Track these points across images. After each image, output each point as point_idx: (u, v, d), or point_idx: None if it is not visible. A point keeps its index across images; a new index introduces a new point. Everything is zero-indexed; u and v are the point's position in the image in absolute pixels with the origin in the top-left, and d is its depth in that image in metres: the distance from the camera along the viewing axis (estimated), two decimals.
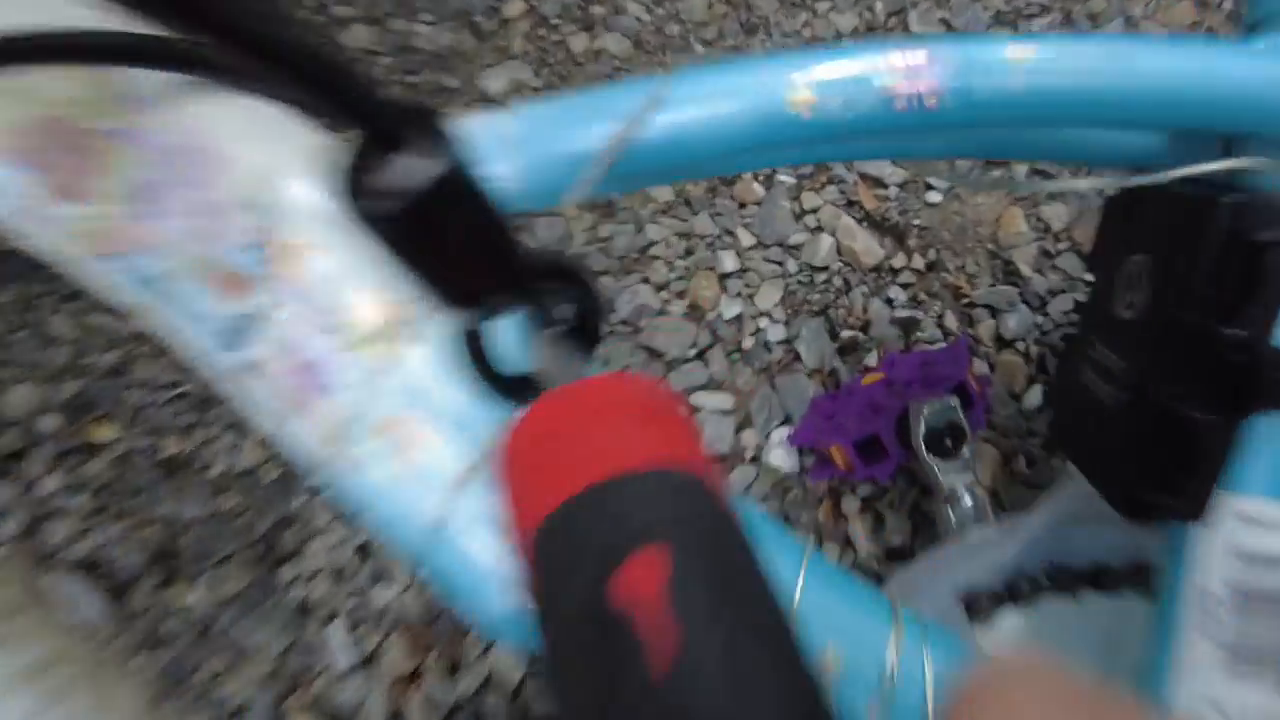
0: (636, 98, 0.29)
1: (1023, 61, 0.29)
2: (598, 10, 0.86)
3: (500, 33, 0.87)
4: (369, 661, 0.61)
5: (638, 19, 0.85)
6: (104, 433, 0.72)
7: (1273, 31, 0.31)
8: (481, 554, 0.27)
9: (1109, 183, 0.32)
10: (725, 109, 0.29)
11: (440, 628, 0.61)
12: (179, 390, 0.73)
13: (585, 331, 0.29)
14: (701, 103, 0.29)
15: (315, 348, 0.29)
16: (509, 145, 0.29)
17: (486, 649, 0.60)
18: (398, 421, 0.29)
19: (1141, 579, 0.40)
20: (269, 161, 0.30)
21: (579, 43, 0.84)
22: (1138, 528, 0.41)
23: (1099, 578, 0.40)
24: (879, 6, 0.85)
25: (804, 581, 0.27)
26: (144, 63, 0.26)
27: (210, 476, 0.68)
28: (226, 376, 0.29)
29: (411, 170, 0.23)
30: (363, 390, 0.29)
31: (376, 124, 0.23)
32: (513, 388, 0.29)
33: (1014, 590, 0.40)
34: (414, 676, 0.59)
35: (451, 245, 0.25)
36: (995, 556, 0.41)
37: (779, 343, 0.67)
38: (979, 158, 0.70)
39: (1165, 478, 0.31)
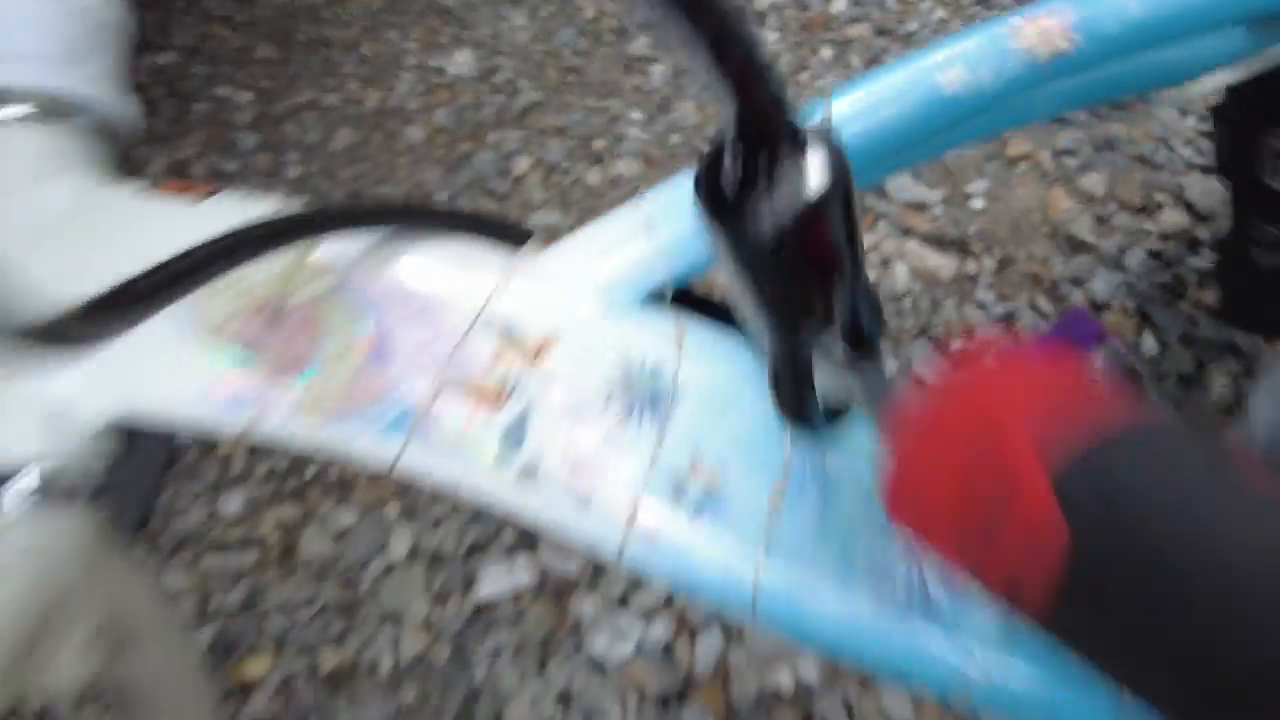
0: (812, 117, 0.33)
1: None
2: (599, 144, 0.93)
3: (516, 190, 0.93)
4: None
5: (639, 139, 0.92)
6: (254, 669, 0.71)
7: None
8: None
9: (1243, 71, 0.35)
10: (889, 110, 0.33)
11: None
12: (319, 604, 0.72)
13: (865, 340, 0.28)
14: (866, 112, 0.33)
15: (585, 431, 0.31)
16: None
17: None
18: (694, 467, 0.31)
19: None
20: (478, 285, 0.32)
21: (593, 176, 0.90)
22: None
23: None
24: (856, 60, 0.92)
25: None
26: (345, 227, 0.28)
27: (380, 676, 0.67)
28: (506, 494, 0.30)
29: (795, 183, 0.22)
30: (647, 443, 0.31)
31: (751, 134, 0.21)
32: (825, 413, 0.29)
33: None
34: None
35: (816, 262, 0.23)
36: None
37: (898, 370, 0.69)
38: (1106, 99, 0.74)
39: None
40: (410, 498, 0.75)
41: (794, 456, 0.29)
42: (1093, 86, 0.38)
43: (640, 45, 1.03)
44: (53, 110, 0.35)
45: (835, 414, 0.29)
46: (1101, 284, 0.69)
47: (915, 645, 0.29)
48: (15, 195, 0.34)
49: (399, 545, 0.72)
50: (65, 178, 0.35)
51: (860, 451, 0.30)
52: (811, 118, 0.33)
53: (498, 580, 0.68)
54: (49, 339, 0.21)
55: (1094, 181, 0.75)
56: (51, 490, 0.33)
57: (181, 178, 1.06)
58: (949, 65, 0.33)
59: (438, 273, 0.32)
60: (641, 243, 0.32)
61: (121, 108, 0.38)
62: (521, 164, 0.94)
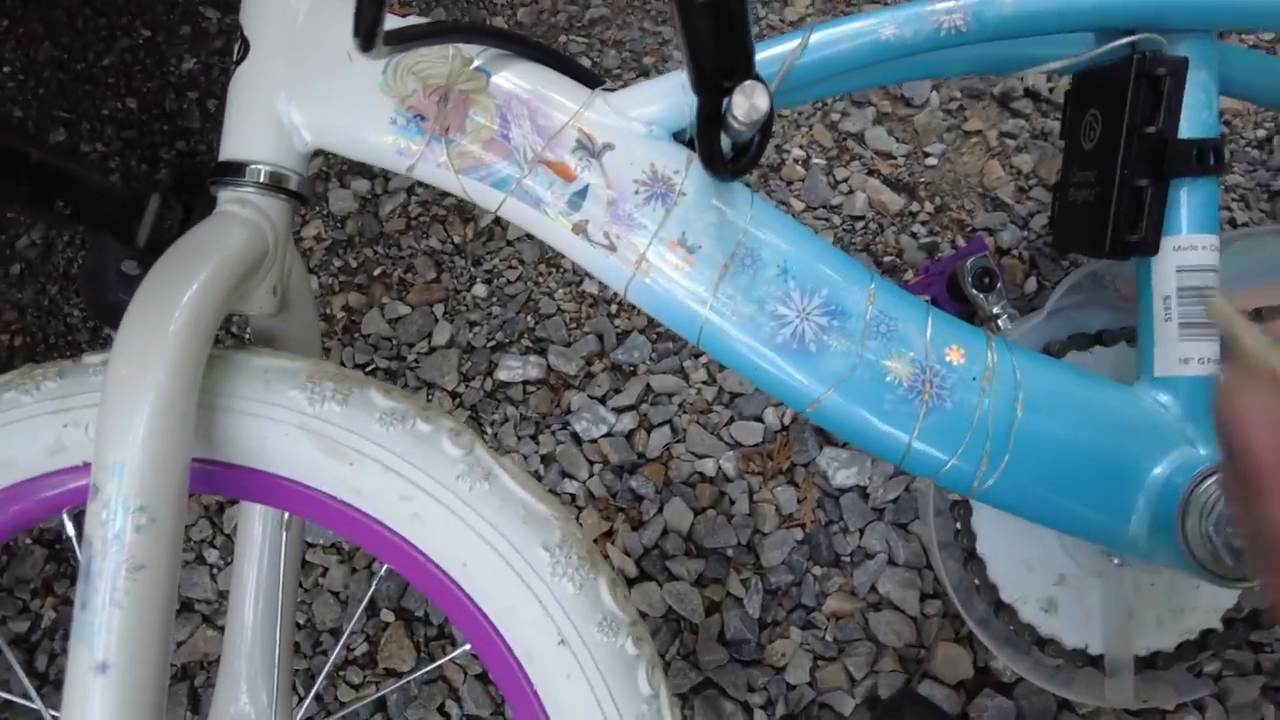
0: (791, 43, 0.50)
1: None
2: (648, 60, 1.09)
3: None
4: None
5: (680, 63, 1.07)
6: None
7: None
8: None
9: (1071, 62, 0.52)
10: (846, 45, 0.50)
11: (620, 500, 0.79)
12: (371, 368, 0.91)
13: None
14: (832, 43, 0.50)
15: (620, 202, 0.48)
16: None
17: (660, 509, 0.77)
18: (681, 241, 0.48)
19: (1125, 336, 0.59)
20: (571, 102, 0.49)
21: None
22: (1118, 297, 0.61)
23: (1101, 337, 0.59)
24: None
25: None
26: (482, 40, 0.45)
27: None
28: (565, 236, 0.48)
29: None
30: (656, 220, 0.48)
31: None
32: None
33: (1048, 350, 0.59)
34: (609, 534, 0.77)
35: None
36: (1032, 338, 0.60)
37: None
38: (992, 72, 0.91)
39: (1132, 230, 0.51)
40: (453, 301, 0.93)
41: (745, 237, 0.47)
42: (981, 61, 0.55)
43: None
44: None
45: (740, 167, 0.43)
46: (1008, 235, 0.86)
47: (780, 371, 0.47)
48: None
49: (440, 335, 0.90)
50: None
51: (780, 234, 0.47)
52: (799, 38, 0.50)
53: (513, 370, 0.86)
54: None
55: (1024, 160, 0.91)
56: (272, 183, 0.51)
57: None
58: (889, 24, 0.50)
59: (548, 90, 0.49)
60: (676, 98, 0.49)
61: None
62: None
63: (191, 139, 1.19)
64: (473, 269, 0.93)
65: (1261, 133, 0.91)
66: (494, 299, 0.91)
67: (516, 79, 0.49)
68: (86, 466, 0.48)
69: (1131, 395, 0.51)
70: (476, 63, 0.48)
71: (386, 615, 0.74)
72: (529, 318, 0.89)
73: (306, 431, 0.46)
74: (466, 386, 0.86)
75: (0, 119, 1.28)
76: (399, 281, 0.94)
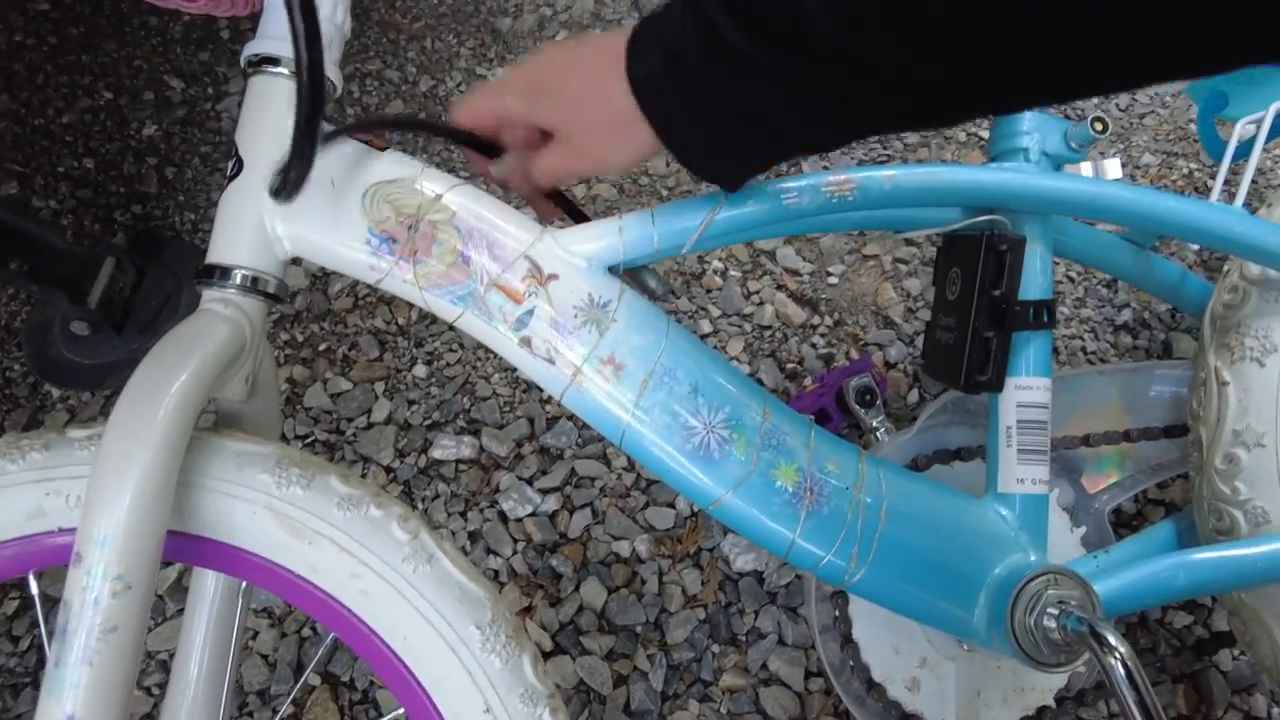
0: (711, 204, 0.59)
1: (891, 177, 0.60)
2: None
3: None
4: None
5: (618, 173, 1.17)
6: None
7: (1003, 158, 0.64)
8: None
9: (938, 230, 0.63)
10: (754, 208, 0.59)
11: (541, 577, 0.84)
12: (310, 439, 0.94)
13: None
14: (741, 206, 0.59)
15: (561, 324, 0.56)
16: (648, 219, 0.58)
17: (577, 587, 0.83)
18: (610, 359, 0.56)
19: (980, 453, 0.69)
20: (525, 231, 0.57)
21: (580, 190, 1.15)
22: (977, 418, 0.71)
23: (960, 453, 0.69)
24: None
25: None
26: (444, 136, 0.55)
27: None
28: (512, 350, 0.55)
29: None
30: (590, 341, 0.56)
31: None
32: None
33: (915, 462, 0.68)
34: (528, 609, 0.82)
35: None
36: (901, 452, 0.70)
37: (749, 375, 0.96)
38: (872, 229, 1.03)
39: (981, 372, 0.61)
40: (394, 379, 0.98)
41: (663, 358, 0.55)
42: (867, 222, 0.65)
43: None
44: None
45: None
46: (895, 351, 0.97)
47: (688, 473, 0.55)
48: (282, 126, 0.57)
49: (380, 412, 0.95)
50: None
51: (692, 356, 0.55)
52: (717, 201, 0.59)
53: (447, 449, 0.91)
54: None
55: (914, 284, 1.03)
56: (253, 286, 0.56)
57: None
58: (790, 193, 0.59)
59: (505, 224, 0.56)
60: (613, 239, 0.57)
61: (338, 87, 0.61)
62: None
63: (148, 204, 1.23)
64: (414, 350, 0.99)
65: (1109, 275, 1.05)
66: (433, 380, 0.97)
67: (478, 212, 0.56)
68: (60, 531, 0.51)
69: (978, 507, 0.60)
70: (445, 198, 0.56)
71: (314, 679, 0.77)
72: (465, 399, 0.95)
73: (272, 511, 0.51)
74: (401, 462, 0.91)
75: None
76: (343, 358, 0.99)
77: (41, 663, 0.82)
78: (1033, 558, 0.59)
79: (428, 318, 1.03)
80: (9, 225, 0.97)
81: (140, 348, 1.05)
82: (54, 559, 0.53)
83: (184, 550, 0.51)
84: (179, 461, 0.48)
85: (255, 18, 0.60)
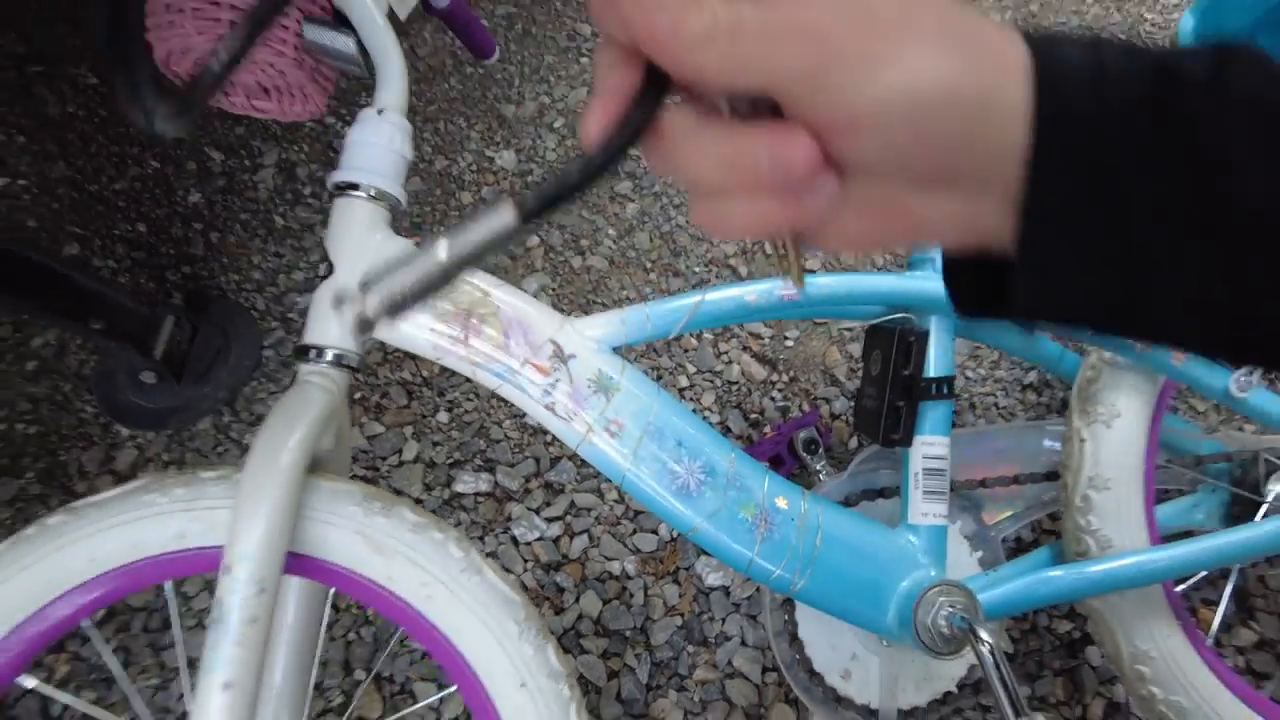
0: (691, 299, 0.75)
1: (829, 284, 0.78)
2: (584, 242, 1.35)
3: (525, 256, 1.33)
4: None
5: (610, 247, 1.34)
6: None
7: (916, 267, 0.82)
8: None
9: (863, 321, 0.80)
10: (723, 307, 0.76)
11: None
12: (349, 474, 1.09)
13: None
14: (715, 304, 0.76)
15: (577, 393, 0.72)
16: (644, 312, 0.74)
17: (577, 599, 0.98)
18: (614, 420, 0.72)
19: (898, 492, 0.86)
20: (550, 322, 0.73)
21: (576, 261, 1.32)
22: (899, 463, 0.88)
23: (884, 492, 0.86)
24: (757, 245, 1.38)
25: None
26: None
27: None
28: (540, 412, 0.71)
29: None
30: (599, 406, 0.72)
31: None
32: None
33: (847, 499, 0.85)
34: None
35: None
36: (838, 490, 0.86)
37: (716, 424, 1.13)
38: (816, 318, 1.21)
39: (895, 432, 0.78)
40: (420, 424, 1.13)
41: (654, 419, 0.71)
42: (811, 313, 0.83)
43: (625, 187, 1.46)
44: (381, 198, 0.75)
45: None
46: (839, 404, 1.14)
47: (673, 508, 0.71)
48: (363, 237, 0.73)
49: (409, 452, 1.10)
50: (380, 228, 0.75)
51: (677, 416, 0.72)
52: (698, 296, 0.76)
53: (467, 484, 1.06)
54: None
55: (856, 349, 1.21)
56: (340, 362, 0.72)
57: (291, 177, 1.43)
58: (751, 293, 0.76)
59: (536, 316, 0.73)
60: (617, 326, 0.74)
61: (402, 202, 0.78)
62: (532, 239, 1.35)
63: (196, 265, 1.37)
64: (437, 398, 1.14)
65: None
66: (453, 424, 1.12)
67: (516, 304, 0.72)
68: (194, 550, 0.66)
69: (893, 534, 0.77)
70: (492, 294, 0.72)
71: (360, 675, 0.91)
72: (481, 441, 1.10)
73: (361, 535, 0.66)
74: (428, 495, 1.06)
75: (15, 229, 1.43)
76: (375, 405, 1.14)
77: (129, 660, 0.95)
78: (933, 573, 0.75)
79: (448, 371, 1.18)
80: (89, 289, 1.11)
81: (196, 394, 1.19)
82: (191, 569, 0.67)
83: (293, 564, 0.67)
84: (299, 496, 0.64)
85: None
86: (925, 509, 0.77)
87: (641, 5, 0.23)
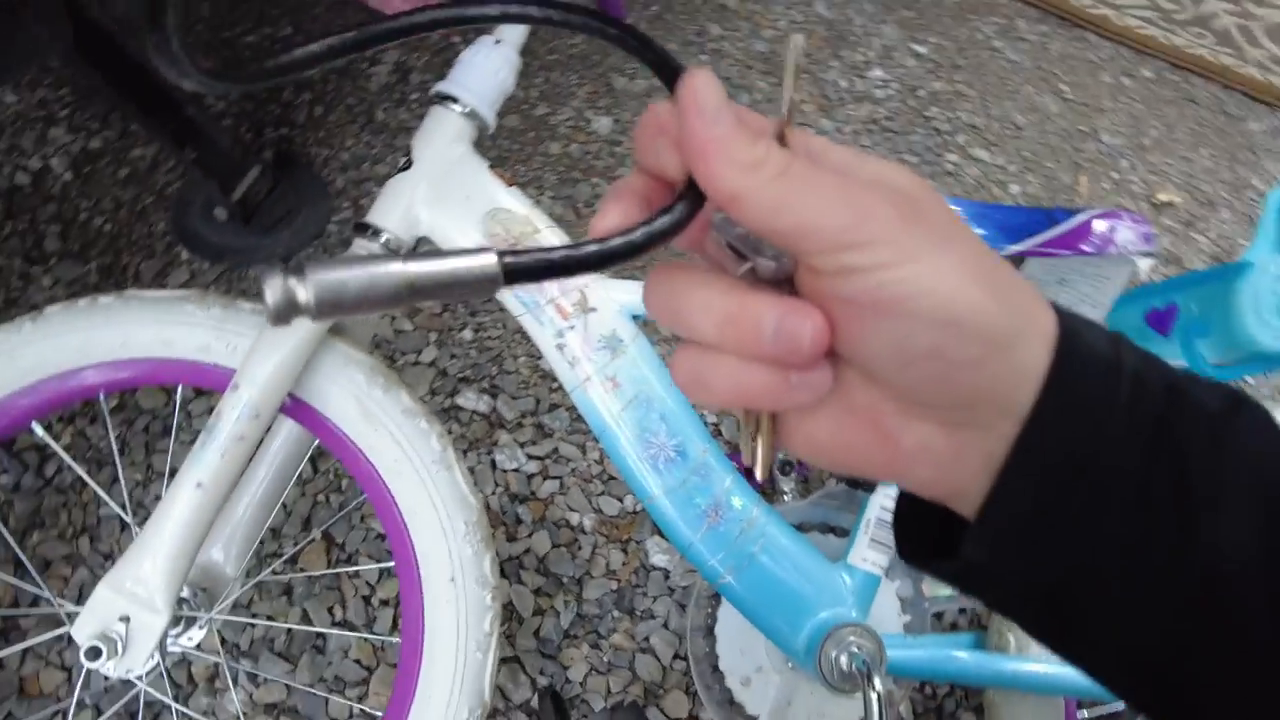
0: None
1: None
2: None
3: (590, 215, 1.37)
4: None
5: None
6: None
7: None
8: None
9: None
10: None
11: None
12: None
13: None
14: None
15: (588, 342, 0.76)
16: None
17: (531, 534, 1.03)
18: (612, 378, 0.76)
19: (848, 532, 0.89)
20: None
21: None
22: (853, 504, 0.91)
23: (834, 530, 0.89)
24: None
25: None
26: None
27: None
28: (550, 349, 0.76)
29: None
30: (604, 361, 0.76)
31: None
32: None
33: (801, 525, 0.88)
34: None
35: None
36: (795, 514, 0.90)
37: (709, 424, 1.16)
38: None
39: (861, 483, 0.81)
40: (445, 334, 1.18)
41: (647, 389, 0.75)
42: None
43: None
44: (474, 117, 0.80)
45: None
46: None
47: (639, 473, 0.75)
48: (446, 145, 0.78)
49: (427, 355, 1.15)
50: (463, 143, 0.79)
51: (668, 394, 0.76)
52: None
53: (469, 401, 1.11)
54: None
55: None
56: (391, 247, 0.77)
57: (404, 79, 1.48)
58: None
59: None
60: (640, 298, 0.78)
61: (491, 127, 0.83)
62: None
63: (294, 130, 1.44)
64: (469, 317, 1.20)
65: None
66: (475, 344, 1.17)
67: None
68: (215, 366, 0.72)
69: (829, 567, 0.80)
70: (541, 232, 0.77)
71: (315, 533, 0.97)
72: (494, 367, 1.15)
73: (357, 401, 0.71)
74: (431, 398, 1.11)
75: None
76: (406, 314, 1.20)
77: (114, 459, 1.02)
78: (854, 614, 0.78)
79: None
80: (195, 121, 1.18)
81: (257, 242, 1.26)
82: (203, 381, 0.73)
83: (290, 407, 0.72)
84: (313, 348, 0.69)
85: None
86: (867, 555, 0.80)
87: (704, 117, 0.23)
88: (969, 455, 0.24)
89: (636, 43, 0.27)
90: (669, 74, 0.26)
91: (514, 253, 0.22)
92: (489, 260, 0.22)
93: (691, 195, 0.24)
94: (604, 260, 0.23)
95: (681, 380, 0.25)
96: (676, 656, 0.95)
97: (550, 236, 0.76)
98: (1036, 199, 1.58)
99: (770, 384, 0.23)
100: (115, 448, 0.83)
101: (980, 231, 0.72)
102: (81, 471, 0.76)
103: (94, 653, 0.61)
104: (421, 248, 0.83)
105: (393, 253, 0.76)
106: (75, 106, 1.38)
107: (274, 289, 0.21)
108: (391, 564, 0.72)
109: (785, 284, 0.25)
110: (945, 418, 0.24)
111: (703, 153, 0.23)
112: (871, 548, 0.80)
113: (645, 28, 1.69)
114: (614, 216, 0.25)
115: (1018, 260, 0.78)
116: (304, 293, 0.21)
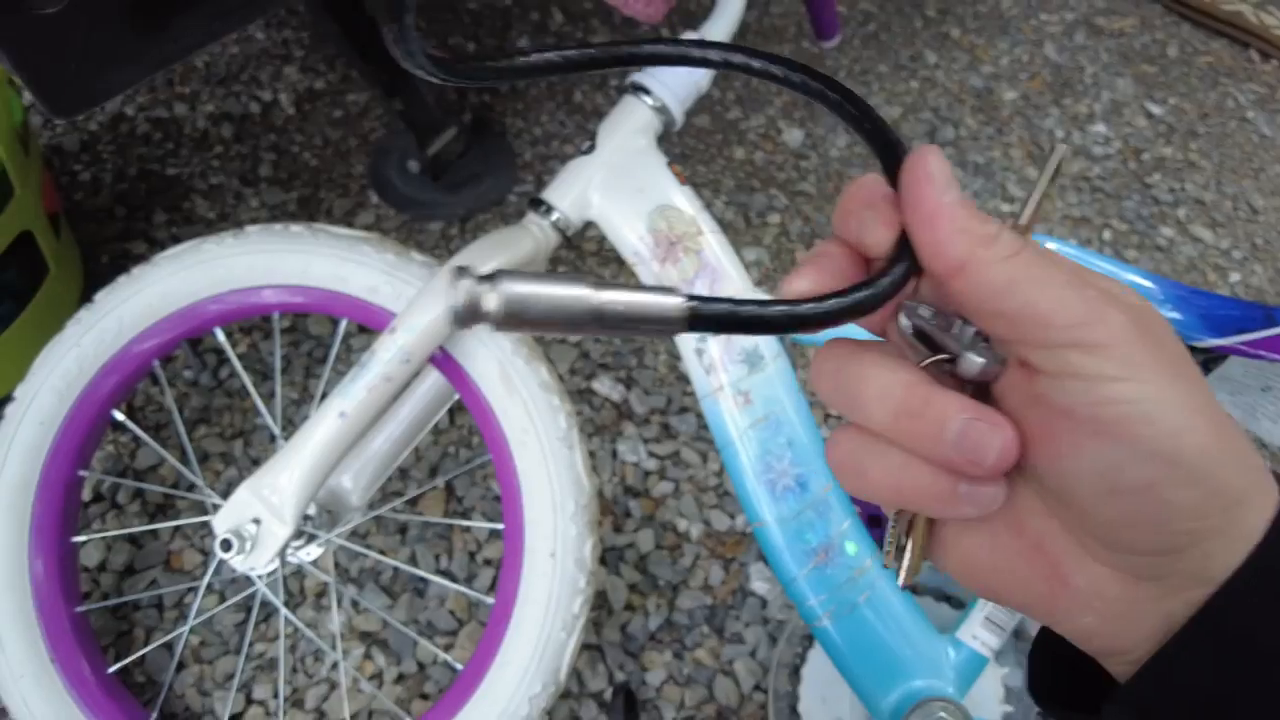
0: None
1: None
2: (818, 241, 1.37)
3: (758, 227, 1.38)
4: None
5: None
6: None
7: None
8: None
9: None
10: None
11: None
12: None
13: None
14: None
15: (728, 353, 0.76)
16: None
17: (637, 530, 1.05)
18: (745, 393, 0.76)
19: (965, 605, 0.85)
20: (740, 283, 0.78)
21: (800, 253, 1.35)
22: None
23: (951, 600, 0.85)
24: None
25: None
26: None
27: None
28: (689, 353, 0.76)
29: None
30: (740, 374, 0.76)
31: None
32: None
33: (914, 587, 0.85)
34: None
35: None
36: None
37: None
38: None
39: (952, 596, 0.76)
40: None
41: (780, 412, 0.75)
42: None
43: None
44: (662, 112, 0.81)
45: None
46: None
47: (753, 494, 0.74)
48: (630, 136, 0.80)
49: (574, 336, 1.19)
50: (647, 136, 0.81)
51: (800, 421, 0.75)
52: None
53: (603, 386, 1.14)
54: None
55: None
56: (559, 225, 0.80)
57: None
58: None
59: (729, 270, 0.77)
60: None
61: (678, 124, 0.84)
62: (774, 217, 1.39)
63: (493, 97, 1.52)
64: None
65: None
66: None
67: (719, 254, 0.77)
68: (377, 305, 0.77)
69: (935, 637, 0.76)
70: (705, 235, 0.78)
71: (439, 481, 1.03)
72: (634, 360, 1.18)
73: (499, 365, 0.75)
74: (569, 378, 1.15)
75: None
76: None
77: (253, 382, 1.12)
78: (950, 690, 0.75)
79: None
80: (407, 79, 1.28)
81: (441, 199, 1.34)
82: (361, 317, 0.78)
83: (439, 359, 0.76)
84: None
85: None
86: (979, 633, 0.76)
87: (936, 185, 0.22)
88: (1144, 613, 0.22)
89: (855, 111, 0.26)
90: (886, 146, 0.25)
91: (702, 299, 0.22)
92: (676, 302, 0.22)
93: (897, 272, 0.23)
94: (791, 324, 0.22)
95: (836, 462, 0.24)
96: (757, 688, 0.94)
97: (712, 240, 0.77)
98: (1259, 294, 1.43)
99: (936, 489, 0.22)
100: (279, 365, 0.91)
101: (1176, 316, 0.66)
102: (248, 380, 0.85)
103: (226, 545, 0.68)
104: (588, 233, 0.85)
105: (558, 226, 0.79)
106: (309, 49, 1.53)
107: (461, 291, 0.21)
108: (501, 526, 0.75)
109: (974, 386, 0.24)
110: (1132, 565, 0.22)
111: (933, 218, 0.22)
112: (985, 626, 0.76)
113: (858, 46, 1.67)
114: (807, 280, 0.24)
115: (1218, 357, 0.71)
116: (491, 301, 0.21)
